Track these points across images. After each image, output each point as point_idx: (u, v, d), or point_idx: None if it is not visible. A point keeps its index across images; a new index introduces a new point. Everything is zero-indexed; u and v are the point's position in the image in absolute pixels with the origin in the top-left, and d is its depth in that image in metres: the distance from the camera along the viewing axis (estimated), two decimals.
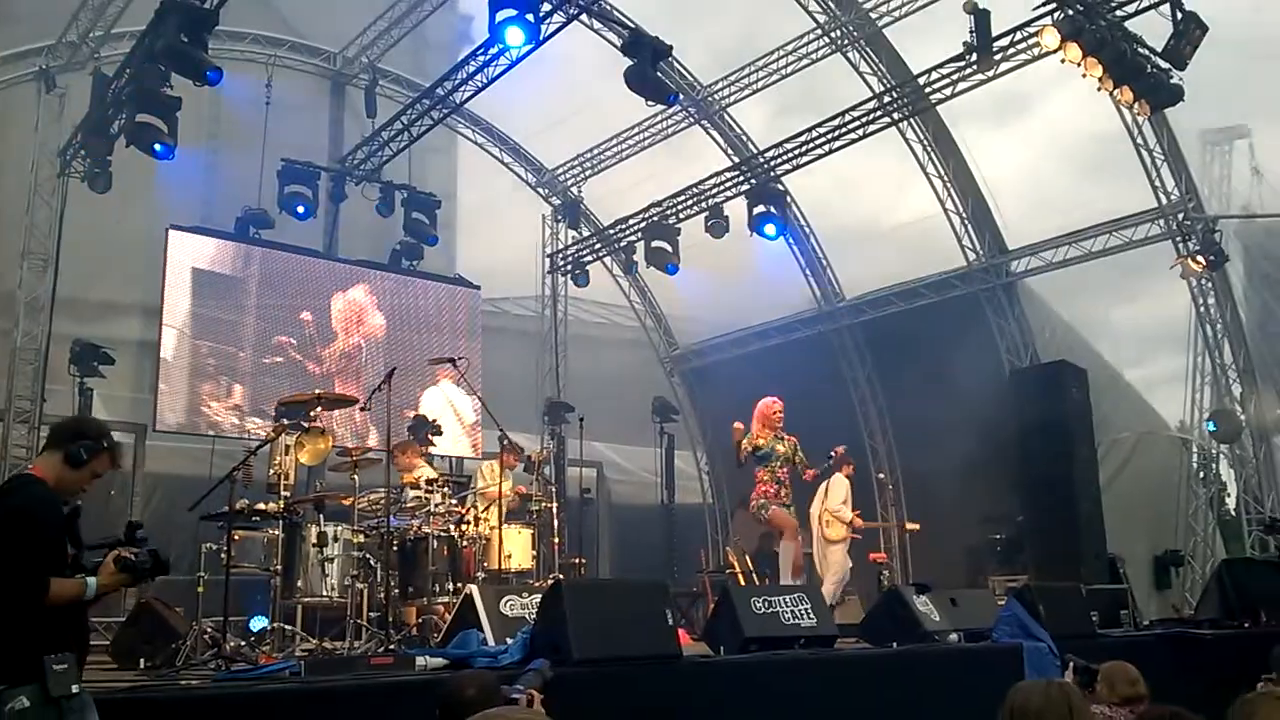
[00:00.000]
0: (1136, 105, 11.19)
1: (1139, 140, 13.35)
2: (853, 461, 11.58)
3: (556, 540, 9.95)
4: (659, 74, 11.63)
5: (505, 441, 9.15)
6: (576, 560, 11.66)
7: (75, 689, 3.58)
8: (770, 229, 13.87)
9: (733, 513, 16.61)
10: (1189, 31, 10.48)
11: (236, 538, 7.17)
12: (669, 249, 14.74)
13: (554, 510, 9.78)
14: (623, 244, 15.98)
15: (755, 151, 15.46)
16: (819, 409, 15.76)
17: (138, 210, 13.15)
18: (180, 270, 13.66)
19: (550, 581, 8.01)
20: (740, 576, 12.14)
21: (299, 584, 7.50)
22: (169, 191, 13.18)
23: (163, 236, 13.53)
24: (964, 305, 15.31)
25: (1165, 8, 10.58)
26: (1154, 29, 10.83)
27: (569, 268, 17.13)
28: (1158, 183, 13.50)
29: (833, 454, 11.27)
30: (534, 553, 9.26)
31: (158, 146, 10.71)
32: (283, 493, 7.63)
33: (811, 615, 7.24)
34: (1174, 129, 13.31)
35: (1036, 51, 11.56)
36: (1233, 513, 15.59)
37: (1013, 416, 13.19)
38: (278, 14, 15.56)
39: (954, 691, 6.95)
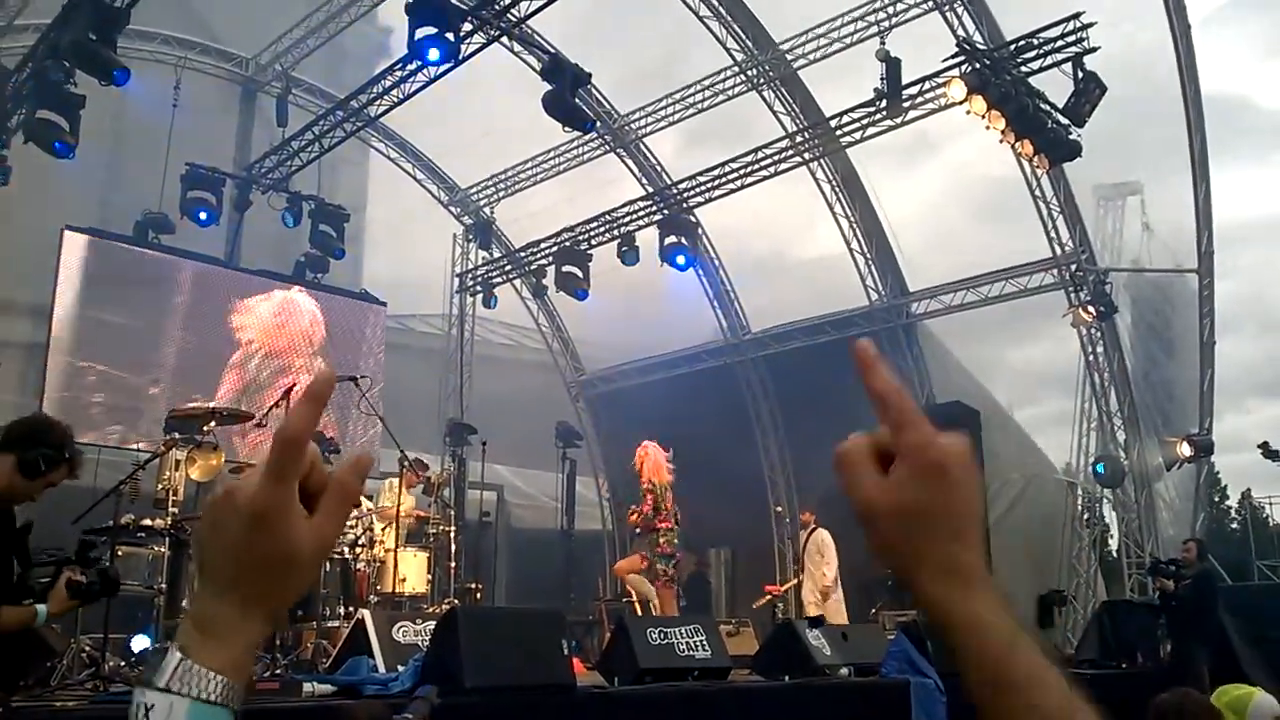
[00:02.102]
0: (1036, 159, 11.60)
1: (1037, 192, 13.83)
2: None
3: (453, 564, 9.82)
4: (576, 100, 11.68)
5: (406, 461, 9.03)
6: (473, 585, 11.52)
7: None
8: (681, 259, 14.01)
9: (632, 540, 16.60)
10: (1089, 90, 10.93)
11: (120, 553, 6.93)
12: (579, 274, 14.78)
13: (452, 534, 9.66)
14: (533, 267, 15.96)
15: (669, 182, 15.61)
16: (722, 440, 15.93)
17: (32, 209, 12.69)
18: (73, 273, 13.23)
19: (445, 607, 7.91)
20: (637, 605, 12.12)
21: (184, 604, 7.26)
22: (66, 191, 12.77)
23: (57, 237, 13.08)
24: None
25: (1068, 66, 11.02)
26: (1056, 86, 11.26)
27: (478, 288, 17.04)
28: (1053, 233, 13.99)
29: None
30: (429, 576, 9.14)
31: (58, 144, 10.39)
32: (171, 509, 7.40)
33: (706, 647, 7.28)
34: (1071, 182, 13.83)
35: (943, 101, 11.92)
36: (1115, 555, 16.13)
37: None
38: (191, 15, 15.23)
39: None
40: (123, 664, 6.62)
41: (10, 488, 3.48)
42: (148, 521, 7.27)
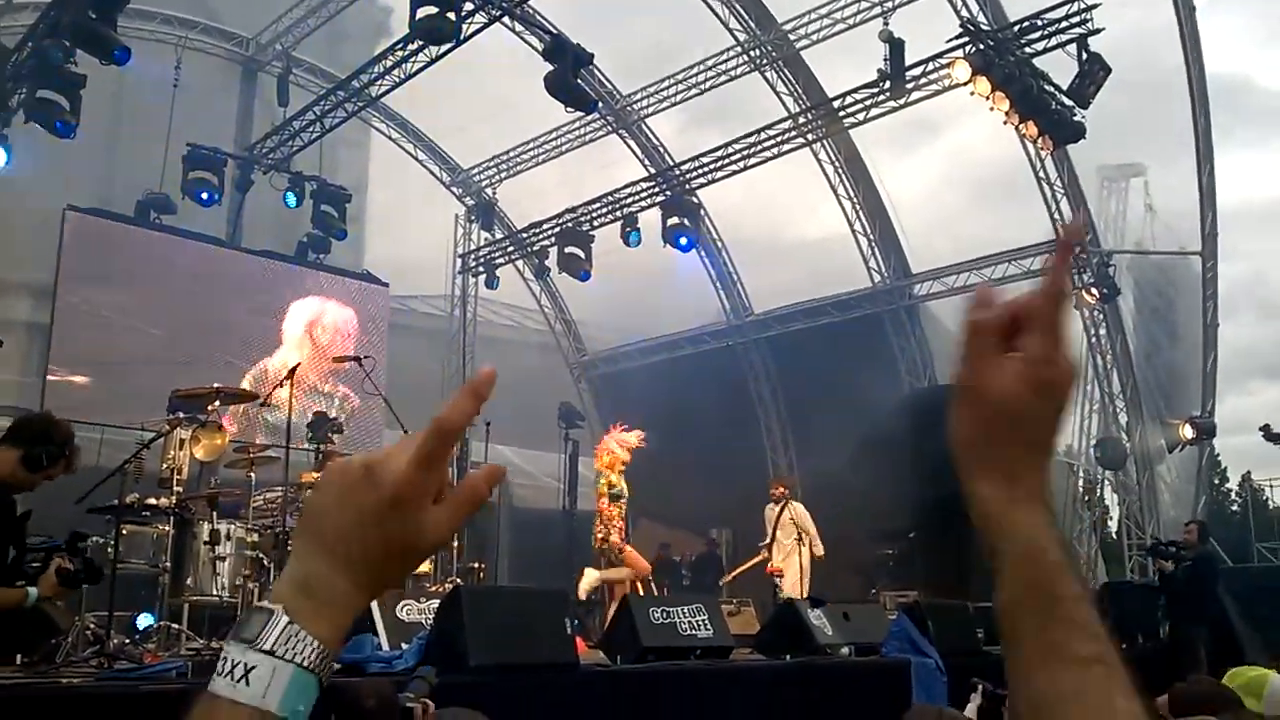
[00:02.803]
0: (1040, 140, 11.58)
1: (1040, 173, 13.81)
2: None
3: (456, 544, 9.85)
4: (579, 81, 11.65)
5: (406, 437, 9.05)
6: (476, 565, 11.57)
7: None
8: (683, 240, 14.00)
9: (634, 521, 16.63)
10: (1093, 72, 10.89)
11: (124, 532, 6.96)
12: (582, 255, 14.76)
13: None
14: (535, 248, 15.95)
15: (671, 163, 15.58)
16: (724, 421, 15.96)
17: (34, 188, 12.67)
18: (76, 253, 13.21)
19: (448, 586, 7.93)
20: (639, 585, 12.18)
21: (188, 582, 7.30)
22: (68, 171, 12.75)
23: (59, 216, 13.07)
24: (867, 324, 15.63)
25: (1072, 48, 10.98)
26: (1061, 67, 11.22)
27: (480, 269, 17.02)
28: (1057, 215, 13.96)
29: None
30: (432, 556, 9.16)
31: (59, 124, 10.36)
32: (175, 488, 7.42)
33: (708, 626, 7.30)
34: (1074, 164, 13.80)
35: (947, 82, 11.87)
36: (1115, 536, 16.17)
37: (909, 435, 13.49)
38: None
39: (844, 703, 7.09)
40: (127, 642, 6.66)
41: (12, 478, 3.69)
42: (152, 500, 7.29)
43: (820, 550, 11.66)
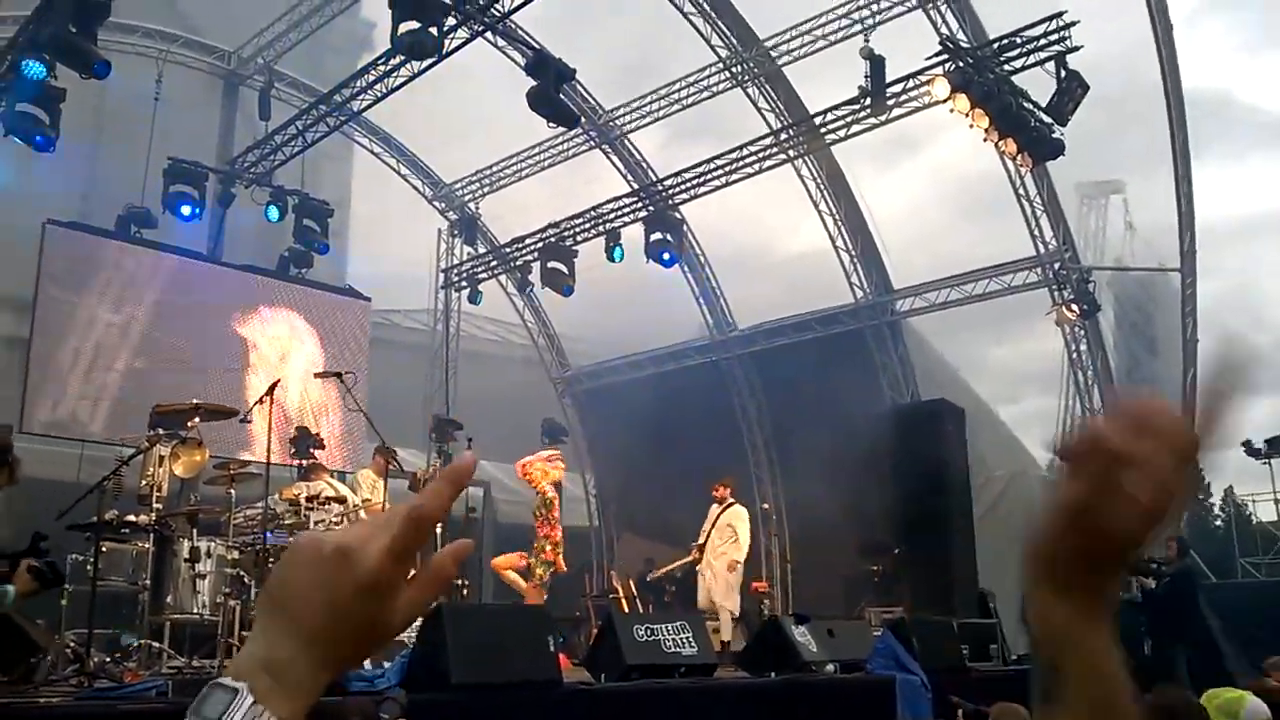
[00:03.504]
0: (1020, 157, 11.66)
1: (1020, 190, 13.89)
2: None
3: None
4: (561, 96, 11.66)
5: (381, 447, 9.06)
6: (459, 581, 11.50)
7: None
8: (666, 256, 14.02)
9: (618, 536, 16.63)
10: (1071, 89, 10.99)
11: (104, 549, 6.90)
12: (565, 270, 14.75)
13: (438, 530, 9.65)
14: (518, 263, 15.93)
15: (654, 179, 15.61)
16: (708, 436, 15.96)
17: (13, 202, 12.59)
18: (55, 267, 13.12)
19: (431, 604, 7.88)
20: (624, 602, 12.16)
21: (169, 600, 7.24)
22: (46, 184, 12.67)
23: (38, 230, 12.98)
24: (850, 340, 15.67)
25: (1050, 65, 11.07)
26: (1039, 85, 11.32)
27: (463, 284, 16.99)
28: (1037, 232, 14.05)
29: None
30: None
31: (38, 138, 10.29)
32: (155, 504, 7.37)
33: (693, 644, 7.29)
34: (1054, 181, 13.90)
35: (927, 99, 11.95)
36: None
37: (893, 451, 13.52)
38: (172, 8, 15.14)
39: None
40: (107, 660, 6.60)
41: None
42: (132, 517, 7.24)
43: (738, 557, 11.22)
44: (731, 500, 11.58)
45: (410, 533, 0.79)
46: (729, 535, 11.26)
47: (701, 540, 11.47)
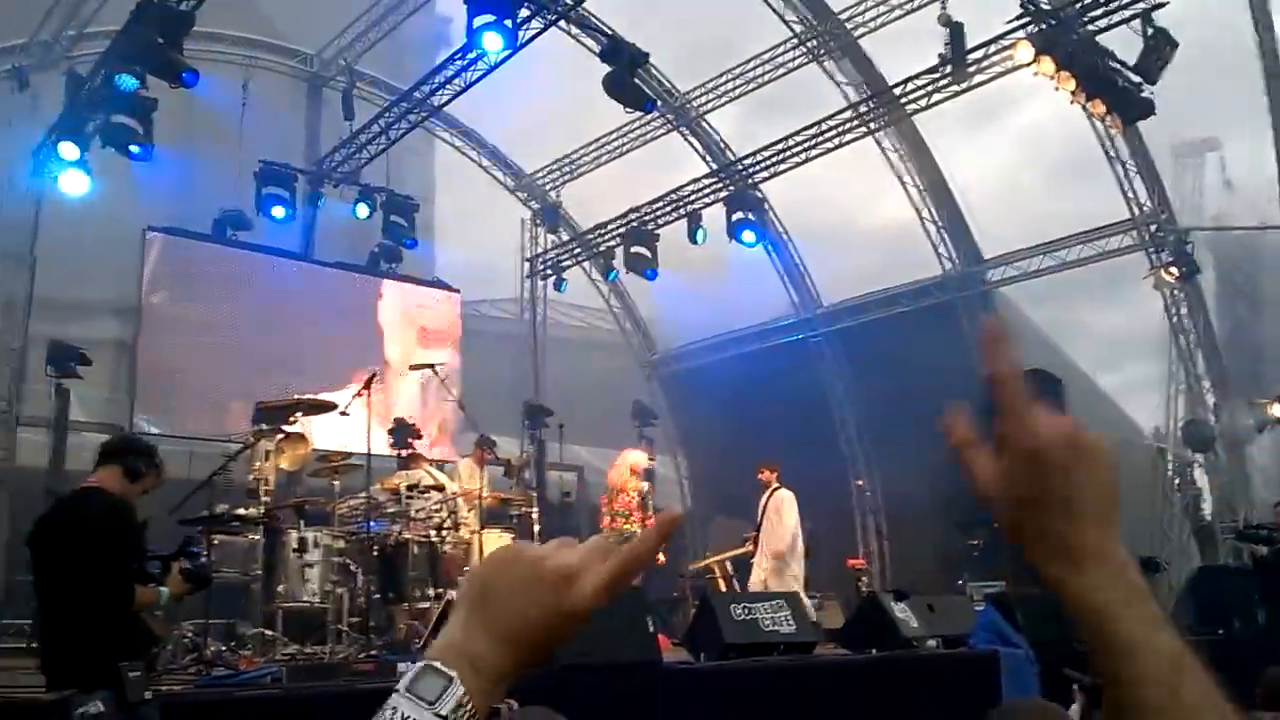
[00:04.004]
0: (1109, 118, 11.35)
1: (1111, 152, 13.52)
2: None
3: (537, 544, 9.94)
4: (637, 81, 11.67)
5: (480, 438, 9.20)
6: None
7: (148, 695, 3.58)
8: (748, 235, 13.96)
9: (711, 518, 16.62)
10: (1160, 46, 10.66)
11: (216, 542, 7.15)
12: (648, 254, 14.79)
13: (534, 514, 9.77)
14: (602, 249, 16.01)
15: (733, 159, 15.53)
16: (797, 414, 15.88)
17: (114, 211, 13.01)
18: (157, 271, 13.57)
19: None
20: (721, 582, 12.17)
21: (280, 589, 7.47)
22: (145, 192, 13.07)
23: (139, 237, 13.44)
24: (940, 312, 15.42)
25: (1137, 23, 10.74)
26: (1126, 43, 10.99)
27: (548, 272, 17.15)
28: (1130, 194, 13.67)
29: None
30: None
31: (134, 148, 10.61)
32: (263, 498, 7.60)
33: (791, 622, 7.28)
34: (1146, 141, 13.50)
35: (1010, 64, 11.69)
36: (1208, 520, 15.77)
37: (989, 424, 13.27)
38: (255, 15, 15.47)
39: (931, 697, 7.01)
40: (224, 649, 6.84)
41: (123, 492, 3.98)
42: (241, 511, 7.48)
43: (781, 547, 11.02)
44: (777, 484, 11.43)
45: (626, 574, 0.87)
46: (775, 522, 11.16)
47: (756, 528, 11.44)
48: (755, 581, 11.13)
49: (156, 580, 4.10)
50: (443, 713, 0.79)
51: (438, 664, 0.82)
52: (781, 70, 14.95)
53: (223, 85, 14.22)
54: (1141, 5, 10.66)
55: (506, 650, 0.84)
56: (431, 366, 9.20)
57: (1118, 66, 11.05)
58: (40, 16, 12.83)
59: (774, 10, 14.41)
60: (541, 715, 3.16)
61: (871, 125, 13.95)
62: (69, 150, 11.40)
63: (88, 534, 3.80)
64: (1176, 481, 15.70)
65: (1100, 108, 11.10)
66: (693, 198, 14.92)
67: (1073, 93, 10.88)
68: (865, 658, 7.52)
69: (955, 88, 12.60)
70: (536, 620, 0.85)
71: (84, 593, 3.72)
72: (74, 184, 11.51)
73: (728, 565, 11.95)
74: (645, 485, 10.71)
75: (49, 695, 3.57)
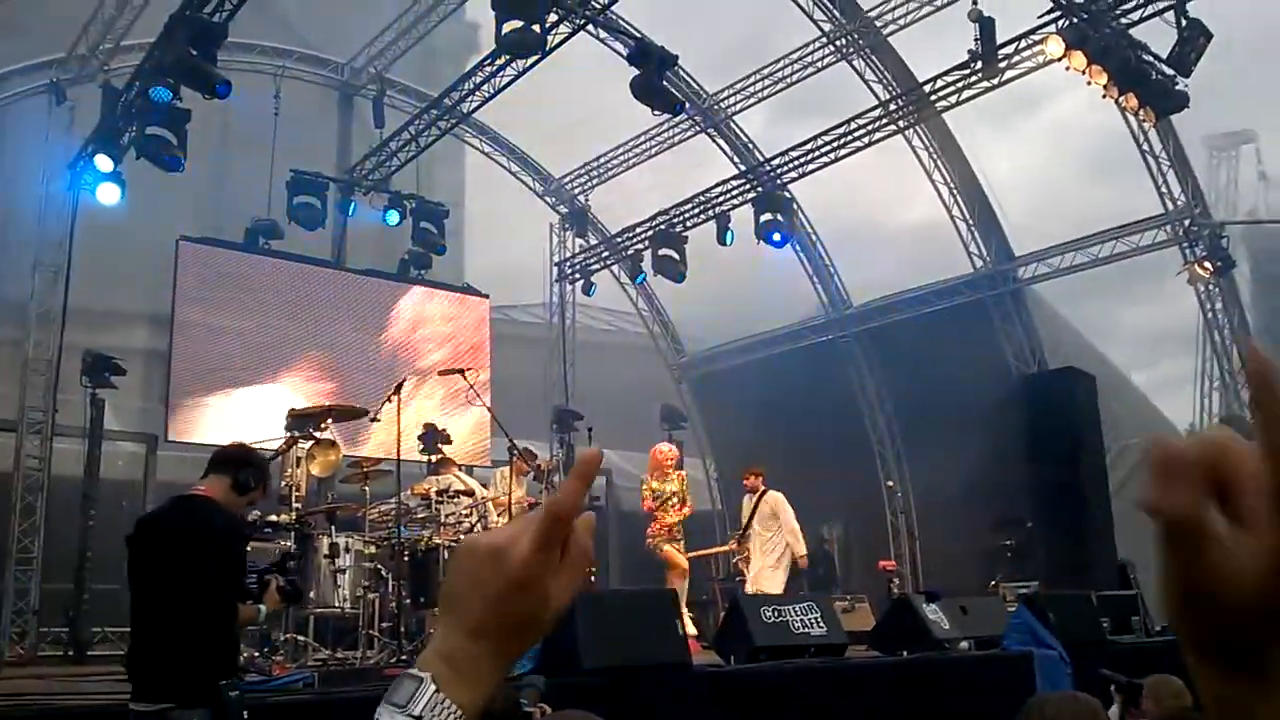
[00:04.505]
0: (1142, 112, 11.22)
1: (1144, 146, 13.38)
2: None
3: None
4: (665, 83, 11.67)
5: (515, 450, 9.21)
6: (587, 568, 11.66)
7: (245, 715, 3.60)
8: (776, 236, 13.92)
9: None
10: (1193, 39, 10.53)
11: (249, 548, 7.21)
12: (676, 256, 14.78)
13: None
14: (630, 252, 16.02)
15: (761, 159, 15.50)
16: (827, 415, 15.83)
17: (148, 221, 13.19)
18: (190, 281, 13.73)
19: None
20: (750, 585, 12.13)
21: (312, 595, 7.53)
22: (178, 202, 13.25)
23: (172, 247, 13.60)
24: (971, 311, 15.32)
25: (1170, 15, 10.62)
26: (1159, 36, 10.87)
27: (577, 276, 17.19)
28: (1164, 188, 13.52)
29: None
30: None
31: (168, 158, 10.72)
32: (294, 504, 7.67)
33: (821, 624, 7.27)
34: (1179, 134, 13.35)
35: (1041, 59, 11.59)
36: None
37: (1021, 423, 13.20)
38: (285, 25, 15.61)
39: (965, 699, 6.97)
40: (257, 654, 6.90)
41: (227, 503, 4.00)
42: (273, 517, 7.55)
43: (800, 550, 10.89)
44: (764, 487, 11.32)
45: (550, 525, 0.86)
46: (774, 524, 11.03)
47: (742, 530, 11.40)
48: (751, 581, 11.04)
49: (255, 597, 4.10)
50: (415, 713, 0.81)
51: (413, 670, 0.84)
52: (810, 70, 14.91)
53: (254, 95, 14.34)
54: None
55: (478, 641, 0.85)
56: (461, 372, 9.22)
57: (1150, 60, 10.93)
58: (77, 31, 13.01)
59: (802, 10, 14.37)
60: (578, 718, 3.18)
61: (901, 123, 13.87)
62: (104, 162, 11.58)
63: (197, 544, 3.78)
64: None
65: (1133, 102, 10.98)
66: (721, 199, 14.90)
67: (1105, 87, 10.77)
68: (897, 660, 7.49)
69: (986, 84, 12.51)
70: (492, 601, 0.85)
71: (188, 605, 3.68)
72: (109, 195, 11.68)
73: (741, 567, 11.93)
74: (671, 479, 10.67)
75: (143, 706, 3.56)
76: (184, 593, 3.68)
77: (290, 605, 4.24)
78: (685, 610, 9.21)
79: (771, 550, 10.98)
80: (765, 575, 10.83)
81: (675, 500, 10.44)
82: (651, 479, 10.50)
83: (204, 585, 3.69)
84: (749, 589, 10.80)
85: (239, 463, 4.13)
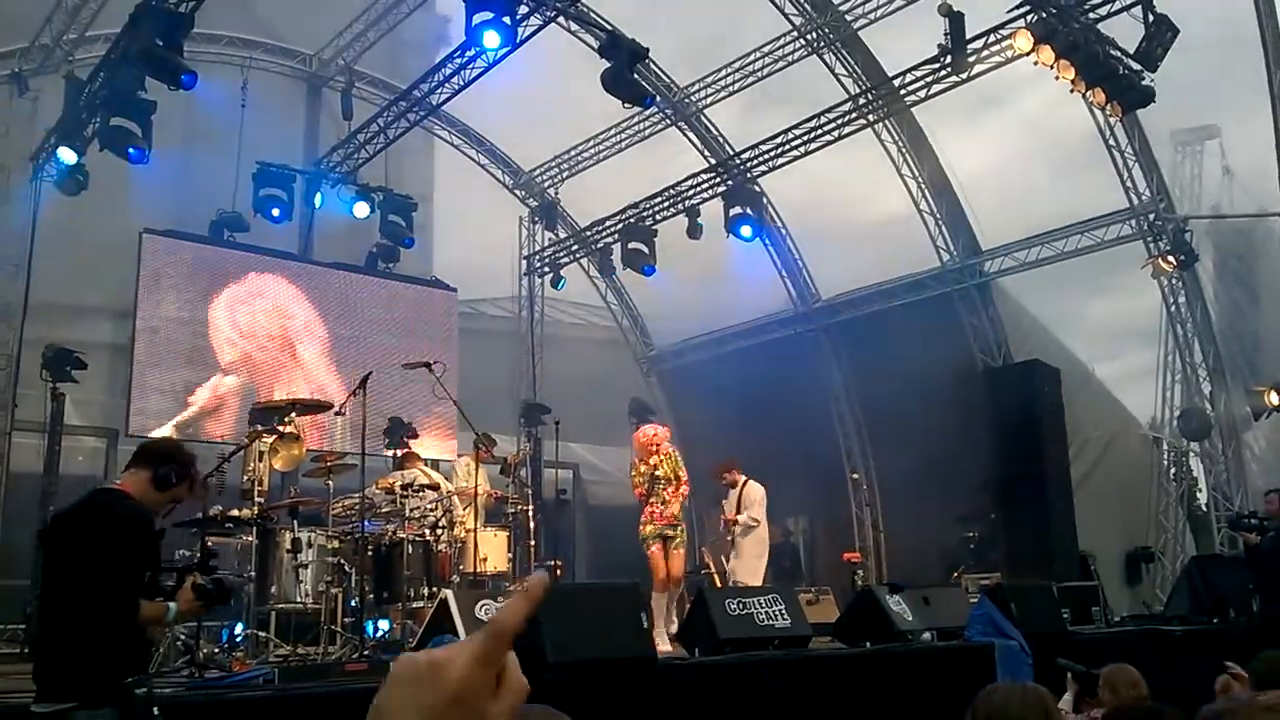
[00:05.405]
0: (1109, 107, 11.31)
1: (1111, 141, 13.49)
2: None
3: (532, 542, 9.95)
4: (635, 76, 11.65)
5: (478, 437, 9.19)
6: (553, 562, 11.68)
7: (156, 711, 3.53)
8: (746, 230, 13.94)
9: (709, 513, 16.67)
10: (1160, 34, 10.60)
11: (210, 544, 7.16)
12: (645, 250, 14.78)
13: (530, 512, 9.79)
14: (599, 245, 16.00)
15: (731, 153, 15.52)
16: (795, 409, 15.88)
17: (111, 214, 13.04)
18: (153, 273, 13.60)
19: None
20: (716, 577, 12.20)
21: (273, 590, 7.50)
22: (142, 194, 13.06)
23: (136, 240, 13.45)
24: (938, 305, 15.41)
25: (1137, 10, 10.69)
26: (1126, 31, 10.94)
27: (546, 269, 17.15)
28: (1129, 183, 13.64)
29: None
30: (510, 555, 9.28)
31: (132, 150, 10.60)
32: (257, 499, 7.63)
33: (785, 616, 7.30)
34: (1145, 129, 13.46)
35: (1010, 53, 11.66)
36: (1203, 509, 15.75)
37: (986, 416, 13.30)
38: (253, 15, 15.46)
39: (927, 690, 7.02)
40: (216, 651, 6.86)
41: (144, 498, 3.90)
42: (235, 512, 7.51)
43: (745, 521, 10.86)
44: (744, 478, 11.20)
45: (491, 643, 0.84)
46: (759, 512, 11.04)
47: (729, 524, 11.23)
48: (732, 570, 10.98)
49: (168, 595, 4.01)
50: None
51: None
52: (781, 64, 14.93)
53: (221, 86, 14.21)
54: None
55: None
56: (427, 365, 9.19)
57: (1118, 55, 11.00)
58: (40, 21, 12.84)
59: (773, 3, 14.38)
60: (545, 714, 3.18)
61: (871, 117, 13.91)
62: (67, 154, 11.46)
63: (97, 539, 3.68)
64: (1172, 471, 15.68)
65: (1100, 96, 11.05)
66: (691, 193, 14.91)
67: (1073, 81, 10.83)
68: (860, 651, 7.54)
69: (955, 79, 12.56)
70: (428, 714, 0.82)
71: (89, 601, 3.59)
72: (71, 187, 11.55)
73: (723, 561, 11.95)
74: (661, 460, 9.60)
75: (43, 707, 3.50)
76: (85, 588, 3.60)
77: (210, 606, 4.11)
78: (663, 617, 8.84)
79: (757, 541, 10.94)
80: (749, 567, 10.77)
81: (666, 483, 9.36)
82: (640, 463, 9.49)
83: (104, 580, 3.61)
84: (731, 580, 10.77)
85: (161, 457, 4.05)
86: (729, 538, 11.07)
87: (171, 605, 3.92)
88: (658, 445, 9.39)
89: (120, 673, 3.47)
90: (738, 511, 11.01)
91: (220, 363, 13.94)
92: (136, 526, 3.76)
